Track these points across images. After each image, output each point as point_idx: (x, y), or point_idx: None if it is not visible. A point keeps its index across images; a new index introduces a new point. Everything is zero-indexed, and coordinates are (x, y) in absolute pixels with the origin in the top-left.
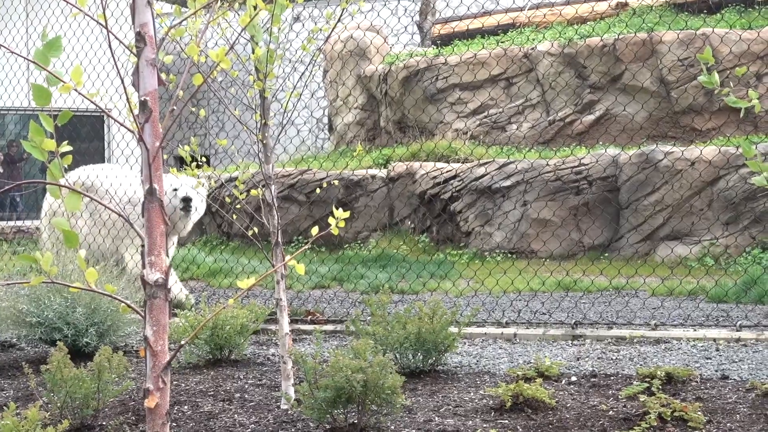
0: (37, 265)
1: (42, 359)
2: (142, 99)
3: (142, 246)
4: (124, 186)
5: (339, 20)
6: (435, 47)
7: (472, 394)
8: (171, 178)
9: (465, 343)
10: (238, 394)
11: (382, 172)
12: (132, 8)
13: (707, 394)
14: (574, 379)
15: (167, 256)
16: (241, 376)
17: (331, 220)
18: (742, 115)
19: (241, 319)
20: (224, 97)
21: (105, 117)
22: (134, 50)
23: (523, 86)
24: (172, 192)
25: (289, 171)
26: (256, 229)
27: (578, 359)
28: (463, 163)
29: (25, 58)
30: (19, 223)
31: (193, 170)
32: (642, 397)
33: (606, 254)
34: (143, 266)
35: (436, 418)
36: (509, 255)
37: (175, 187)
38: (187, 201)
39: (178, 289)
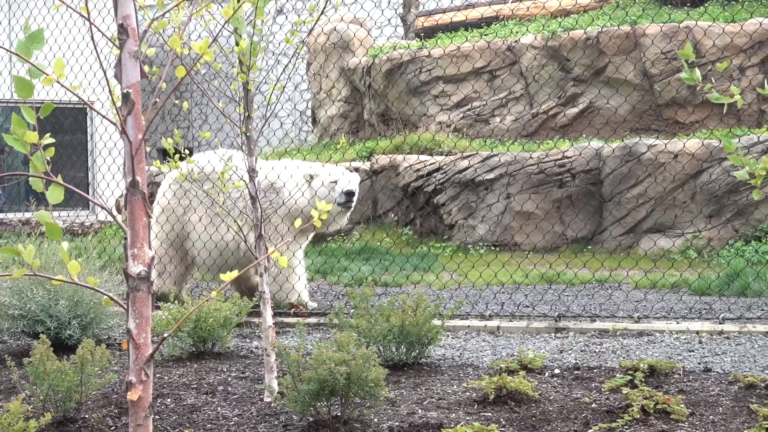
0: (19, 258)
1: (24, 352)
2: (125, 91)
3: (125, 239)
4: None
5: (322, 12)
6: (418, 40)
7: (455, 386)
8: (330, 168)
9: (448, 336)
10: (222, 387)
11: (365, 165)
12: (115, 0)
13: (690, 386)
14: (557, 371)
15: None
16: (225, 369)
17: (313, 212)
18: (725, 110)
19: (224, 312)
20: (207, 90)
21: (88, 109)
22: (117, 42)
23: (506, 79)
24: (330, 184)
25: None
26: (240, 222)
27: (561, 352)
28: (446, 155)
29: (7, 50)
30: (1, 215)
31: (176, 162)
32: (625, 390)
33: (589, 247)
34: (126, 258)
35: (420, 411)
36: (492, 248)
37: (334, 179)
38: (350, 195)
39: (306, 296)
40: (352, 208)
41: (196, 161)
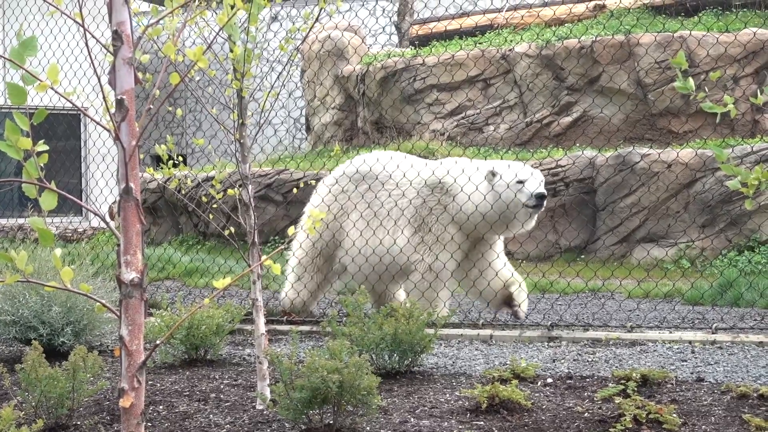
0: (12, 264)
1: (17, 358)
2: (119, 98)
3: (118, 245)
4: (410, 172)
5: (317, 20)
6: (413, 48)
7: (447, 395)
8: (514, 166)
9: (441, 345)
10: (214, 395)
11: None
12: (109, 7)
13: (682, 396)
14: (549, 380)
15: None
16: (217, 377)
17: (307, 220)
18: (718, 120)
19: (216, 319)
20: (201, 97)
21: (81, 116)
22: (111, 49)
23: (500, 87)
24: (517, 185)
25: (266, 171)
26: (232, 229)
27: (554, 361)
28: None
29: (0, 56)
30: None
31: (169, 169)
32: (617, 399)
33: (582, 256)
34: (119, 265)
35: (412, 419)
36: None
37: (521, 179)
38: (541, 198)
39: (523, 302)
40: (542, 210)
41: (363, 160)
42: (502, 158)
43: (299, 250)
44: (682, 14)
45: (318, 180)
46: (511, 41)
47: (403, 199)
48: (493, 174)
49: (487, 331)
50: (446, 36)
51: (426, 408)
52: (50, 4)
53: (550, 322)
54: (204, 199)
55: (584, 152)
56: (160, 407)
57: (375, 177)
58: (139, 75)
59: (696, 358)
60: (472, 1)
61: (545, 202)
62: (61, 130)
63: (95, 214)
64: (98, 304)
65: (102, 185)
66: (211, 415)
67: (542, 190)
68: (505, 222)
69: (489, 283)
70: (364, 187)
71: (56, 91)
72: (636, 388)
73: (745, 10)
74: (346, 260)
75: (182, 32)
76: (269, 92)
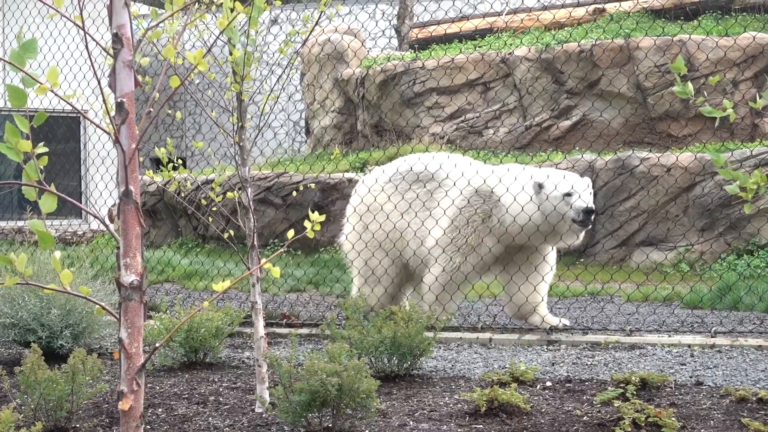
0: (11, 266)
1: (16, 361)
2: (119, 100)
3: (117, 248)
4: (469, 176)
5: (317, 23)
6: (412, 51)
7: (447, 398)
8: (571, 179)
9: (440, 348)
10: (213, 397)
11: (359, 176)
12: (109, 10)
13: (681, 400)
14: (548, 384)
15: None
16: (216, 379)
17: (307, 223)
18: (716, 124)
19: (216, 322)
20: (201, 100)
21: (81, 118)
22: (111, 52)
23: (500, 91)
24: (566, 198)
25: (266, 174)
26: (232, 232)
27: (553, 364)
28: None
29: (1, 58)
30: None
31: (168, 172)
32: (616, 403)
33: (581, 259)
34: (118, 268)
35: (411, 423)
36: None
37: (569, 192)
38: (589, 214)
39: (556, 321)
40: (590, 227)
41: (418, 159)
42: (501, 162)
43: (351, 252)
44: (682, 18)
45: (317, 183)
46: (511, 45)
47: (460, 198)
48: (541, 186)
49: (487, 335)
50: (446, 39)
51: (425, 411)
52: (50, 6)
53: (549, 326)
54: (203, 202)
55: (584, 156)
56: (159, 410)
57: (431, 176)
58: (139, 78)
59: (695, 361)
60: (472, 4)
61: (593, 218)
62: (60, 132)
63: (95, 217)
64: (97, 306)
65: (101, 188)
66: (210, 418)
67: (591, 205)
68: (556, 236)
69: (527, 298)
70: (419, 186)
71: (56, 94)
72: (635, 392)
73: (744, 14)
74: (403, 258)
75: (182, 35)
76: (269, 95)
